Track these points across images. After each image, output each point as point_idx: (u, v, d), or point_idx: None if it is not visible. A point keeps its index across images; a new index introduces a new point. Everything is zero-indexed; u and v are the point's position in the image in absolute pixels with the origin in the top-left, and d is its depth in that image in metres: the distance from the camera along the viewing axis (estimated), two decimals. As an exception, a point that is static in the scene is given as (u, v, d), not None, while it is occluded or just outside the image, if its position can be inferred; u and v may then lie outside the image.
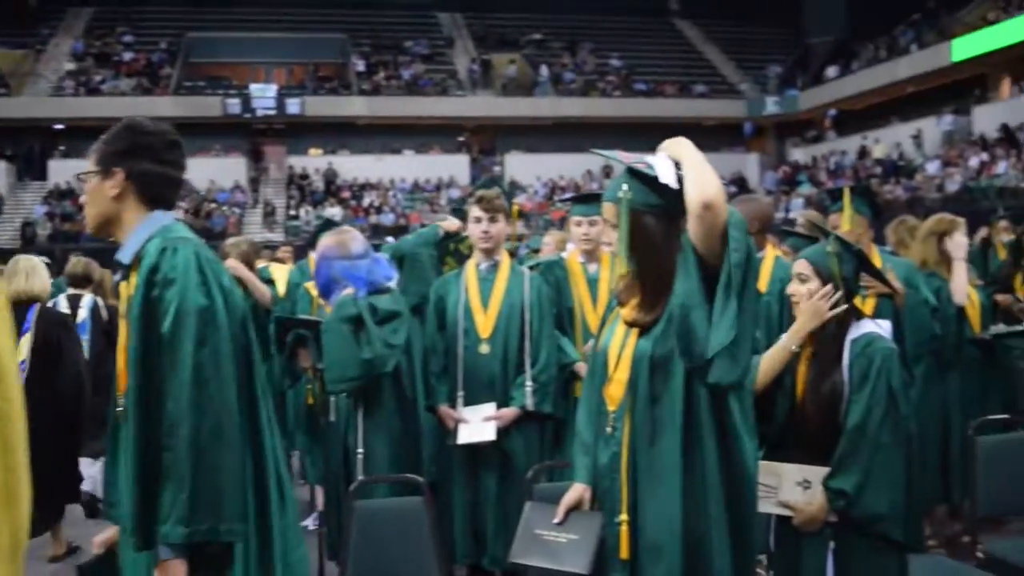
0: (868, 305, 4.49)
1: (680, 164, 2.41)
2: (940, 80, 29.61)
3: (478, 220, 4.22)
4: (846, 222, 4.54)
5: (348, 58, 35.37)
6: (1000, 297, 7.16)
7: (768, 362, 3.12)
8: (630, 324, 2.57)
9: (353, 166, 32.73)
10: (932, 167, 25.66)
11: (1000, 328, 5.25)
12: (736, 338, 2.28)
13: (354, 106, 33.27)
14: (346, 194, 31.16)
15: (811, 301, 3.07)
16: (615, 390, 2.56)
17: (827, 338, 3.10)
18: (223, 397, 2.25)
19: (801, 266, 3.18)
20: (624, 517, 2.48)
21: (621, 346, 2.58)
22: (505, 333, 4.18)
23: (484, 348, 4.17)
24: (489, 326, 4.18)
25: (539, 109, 33.69)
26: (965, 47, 27.68)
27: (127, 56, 34.02)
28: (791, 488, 3.01)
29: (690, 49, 39.34)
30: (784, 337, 3.15)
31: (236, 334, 2.37)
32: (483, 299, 4.22)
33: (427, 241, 4.98)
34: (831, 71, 34.58)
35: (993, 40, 26.75)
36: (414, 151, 33.91)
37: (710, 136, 35.09)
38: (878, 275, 3.50)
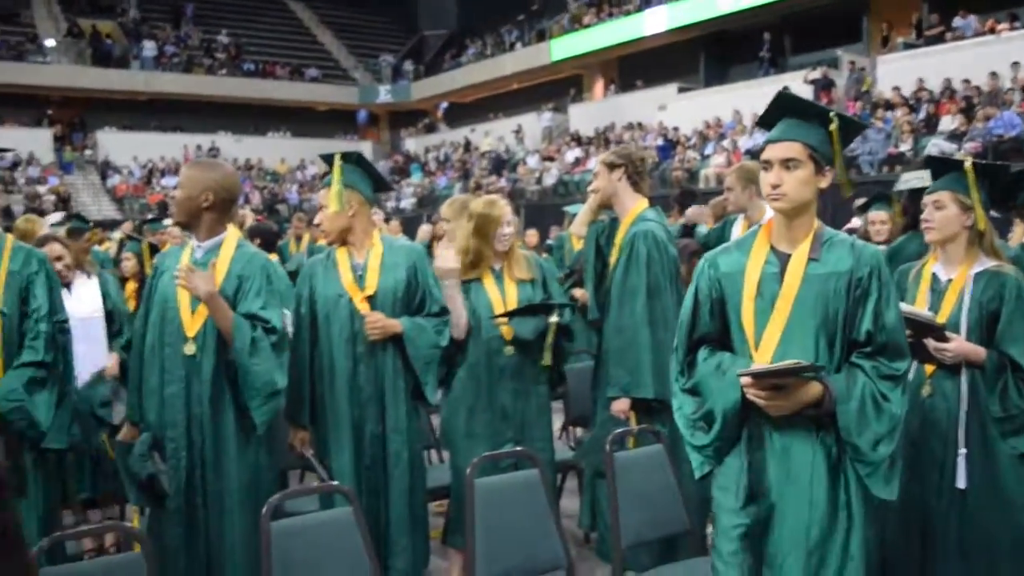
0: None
1: None
2: (541, 78, 31.03)
3: None
4: (333, 199, 3.69)
5: (-101, 12, 30.28)
6: (577, 292, 6.81)
7: None
8: None
9: (-97, 139, 28.00)
10: (532, 161, 26.64)
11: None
12: None
13: (-96, 69, 28.55)
14: None
15: None
16: None
17: None
18: None
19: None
20: None
21: None
22: None
23: None
24: None
25: (134, 83, 30.88)
26: (562, 48, 29.11)
27: None
28: None
29: (303, 32, 38.17)
30: None
31: None
32: None
33: None
34: (442, 64, 35.04)
35: (587, 43, 28.34)
36: (-16, 124, 29.76)
37: (323, 122, 34.33)
38: None
